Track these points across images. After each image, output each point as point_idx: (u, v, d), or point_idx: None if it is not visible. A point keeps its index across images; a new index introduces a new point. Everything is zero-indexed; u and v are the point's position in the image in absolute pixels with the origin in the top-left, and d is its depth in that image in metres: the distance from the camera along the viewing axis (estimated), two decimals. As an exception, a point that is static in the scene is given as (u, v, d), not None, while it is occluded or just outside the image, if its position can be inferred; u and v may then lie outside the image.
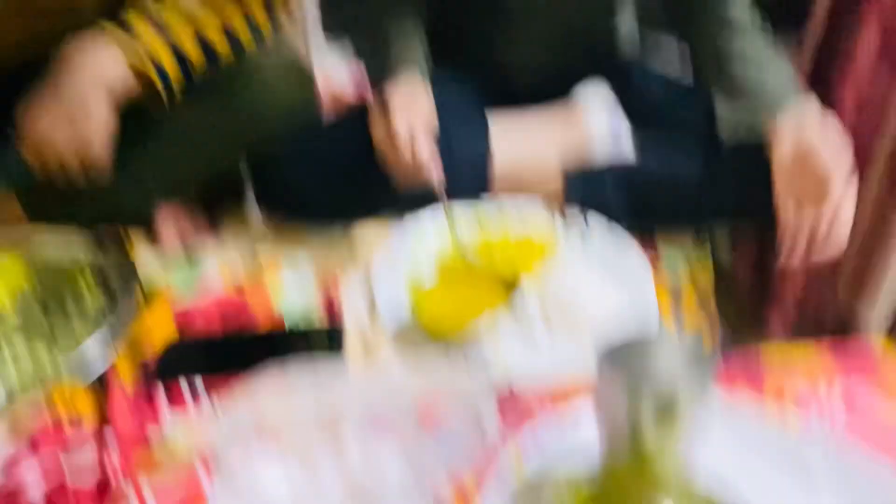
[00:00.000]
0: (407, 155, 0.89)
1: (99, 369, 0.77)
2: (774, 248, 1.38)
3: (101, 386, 0.76)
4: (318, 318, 0.87)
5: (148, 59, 0.88)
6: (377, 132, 0.92)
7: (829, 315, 1.48)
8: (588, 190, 0.98)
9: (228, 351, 0.83)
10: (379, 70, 0.96)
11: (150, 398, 0.75)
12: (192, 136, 0.96)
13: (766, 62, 0.93)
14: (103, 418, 0.72)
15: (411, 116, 0.90)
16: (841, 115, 1.27)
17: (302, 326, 0.86)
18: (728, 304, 1.03)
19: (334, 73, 1.36)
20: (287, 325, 0.86)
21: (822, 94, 1.30)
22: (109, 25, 0.88)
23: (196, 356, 0.82)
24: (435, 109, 0.93)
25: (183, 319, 0.87)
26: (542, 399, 0.72)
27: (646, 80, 1.11)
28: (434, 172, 0.90)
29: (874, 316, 1.38)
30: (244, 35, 0.95)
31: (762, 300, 1.36)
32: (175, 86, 0.91)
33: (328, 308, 0.89)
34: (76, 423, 0.71)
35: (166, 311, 0.88)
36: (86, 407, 0.73)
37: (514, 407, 0.72)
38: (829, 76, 1.31)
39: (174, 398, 0.75)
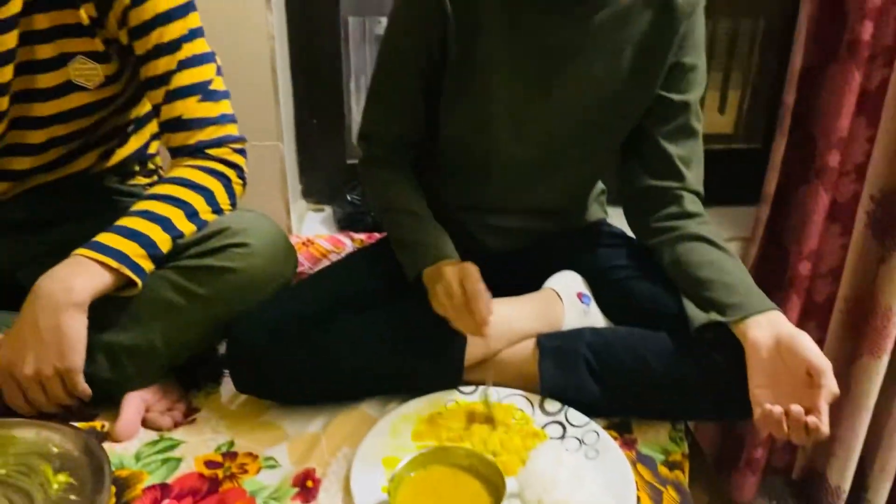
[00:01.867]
0: (466, 314, 0.92)
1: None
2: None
3: None
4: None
5: (124, 266, 0.90)
6: (437, 302, 0.95)
7: (794, 472, 1.51)
8: (561, 348, 0.99)
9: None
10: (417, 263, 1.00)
11: None
12: (169, 316, 0.96)
13: (726, 265, 0.97)
14: None
15: (461, 281, 0.93)
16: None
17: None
18: (698, 475, 1.04)
19: (316, 240, 1.40)
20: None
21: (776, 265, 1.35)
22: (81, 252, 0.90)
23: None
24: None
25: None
26: None
27: (610, 238, 1.17)
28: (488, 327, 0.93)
29: (839, 473, 1.41)
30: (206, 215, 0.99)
31: (728, 464, 1.37)
32: (147, 273, 0.93)
33: (302, 492, 0.88)
34: None
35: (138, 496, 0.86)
36: None
37: None
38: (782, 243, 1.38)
39: None
